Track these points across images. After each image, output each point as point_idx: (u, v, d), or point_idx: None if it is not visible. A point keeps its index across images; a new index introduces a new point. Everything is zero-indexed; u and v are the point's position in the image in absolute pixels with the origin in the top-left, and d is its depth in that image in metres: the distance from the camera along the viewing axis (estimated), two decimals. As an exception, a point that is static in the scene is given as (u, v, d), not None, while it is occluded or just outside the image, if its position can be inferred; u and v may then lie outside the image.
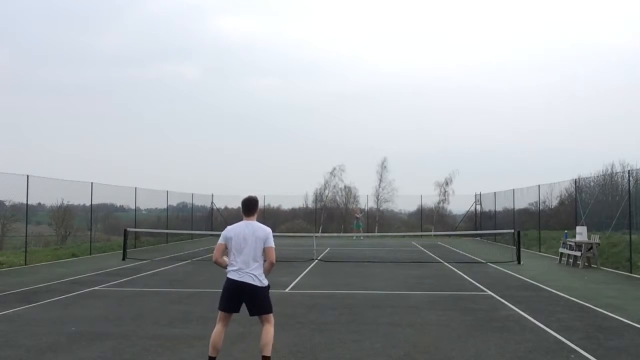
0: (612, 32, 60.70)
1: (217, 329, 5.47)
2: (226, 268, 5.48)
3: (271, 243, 5.47)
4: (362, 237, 30.66)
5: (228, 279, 5.43)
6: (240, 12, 66.68)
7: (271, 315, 5.48)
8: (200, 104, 64.80)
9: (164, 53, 65.94)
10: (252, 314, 5.48)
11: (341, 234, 31.04)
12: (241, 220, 5.56)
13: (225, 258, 5.53)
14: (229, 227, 5.58)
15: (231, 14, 67.83)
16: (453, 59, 63.18)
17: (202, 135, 63.91)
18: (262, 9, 66.43)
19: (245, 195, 5.67)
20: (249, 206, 5.60)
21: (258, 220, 5.59)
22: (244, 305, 5.45)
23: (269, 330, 5.41)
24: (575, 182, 21.77)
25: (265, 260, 5.47)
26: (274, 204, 38.41)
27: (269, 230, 5.55)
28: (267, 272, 5.49)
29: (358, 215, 33.96)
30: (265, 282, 5.45)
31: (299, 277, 13.38)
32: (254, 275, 5.36)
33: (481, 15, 64.87)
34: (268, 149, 60.84)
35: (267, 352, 5.36)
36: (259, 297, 5.39)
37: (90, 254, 20.30)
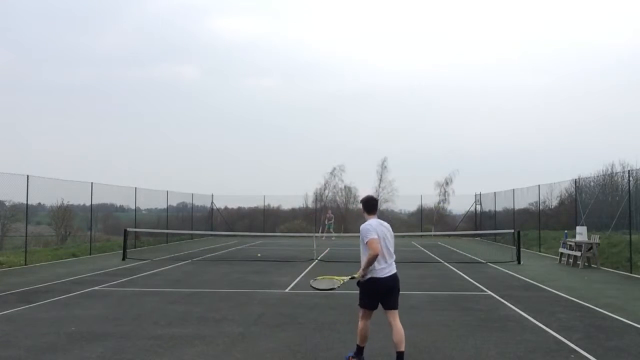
0: (612, 32, 60.75)
1: (365, 324, 5.74)
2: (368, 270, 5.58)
3: None
4: (333, 238, 30.52)
5: (379, 278, 5.61)
6: (240, 12, 66.73)
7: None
8: (200, 104, 64.88)
9: (163, 53, 66.05)
10: (389, 307, 5.69)
11: (342, 234, 31.04)
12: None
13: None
14: (371, 226, 5.61)
15: (231, 14, 67.89)
16: (453, 59, 63.15)
17: (202, 135, 63.96)
18: (262, 9, 66.53)
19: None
20: (376, 204, 5.93)
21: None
22: None
23: (400, 326, 5.60)
24: (575, 182, 21.79)
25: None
26: (274, 204, 38.31)
27: None
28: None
29: (329, 216, 33.80)
30: None
31: (299, 277, 13.39)
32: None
33: (481, 15, 64.90)
34: (268, 149, 60.83)
35: (403, 347, 5.53)
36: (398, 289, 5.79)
37: (90, 254, 20.31)
